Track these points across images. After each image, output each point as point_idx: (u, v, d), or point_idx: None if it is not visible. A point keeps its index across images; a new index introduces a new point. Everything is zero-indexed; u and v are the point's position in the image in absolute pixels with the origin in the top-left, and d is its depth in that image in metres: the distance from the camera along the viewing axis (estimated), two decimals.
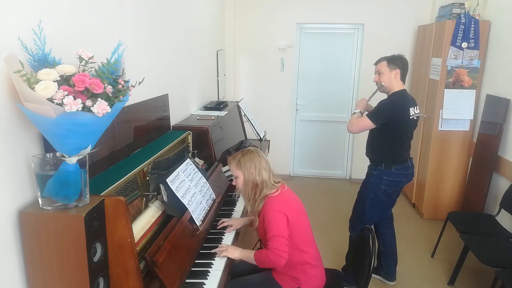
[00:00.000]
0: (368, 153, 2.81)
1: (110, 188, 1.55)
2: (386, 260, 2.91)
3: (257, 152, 2.01)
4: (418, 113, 2.70)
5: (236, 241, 2.21)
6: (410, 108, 2.62)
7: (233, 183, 2.06)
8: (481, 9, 3.72)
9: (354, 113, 2.78)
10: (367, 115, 2.63)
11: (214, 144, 2.83)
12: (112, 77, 1.29)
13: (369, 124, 2.59)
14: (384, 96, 2.70)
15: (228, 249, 1.98)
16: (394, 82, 2.64)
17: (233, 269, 2.06)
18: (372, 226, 2.87)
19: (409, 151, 2.75)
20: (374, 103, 2.75)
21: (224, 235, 2.20)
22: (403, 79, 2.67)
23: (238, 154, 2.00)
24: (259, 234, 2.06)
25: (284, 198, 1.97)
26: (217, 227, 2.24)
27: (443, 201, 3.95)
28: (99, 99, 1.20)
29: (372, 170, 2.75)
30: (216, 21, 4.35)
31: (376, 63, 2.72)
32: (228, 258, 1.97)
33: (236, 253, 1.97)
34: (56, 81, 1.17)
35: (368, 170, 2.81)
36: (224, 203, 2.59)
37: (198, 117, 3.17)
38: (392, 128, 2.60)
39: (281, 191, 1.98)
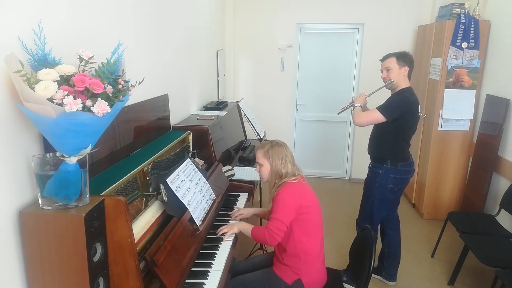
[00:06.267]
0: (371, 150, 2.76)
1: (110, 188, 1.55)
2: (389, 261, 2.89)
3: (284, 145, 2.15)
4: (420, 111, 2.69)
5: (234, 248, 2.19)
6: (419, 106, 2.63)
7: (256, 169, 2.22)
8: (481, 9, 3.72)
9: (355, 106, 2.73)
10: (377, 108, 2.58)
11: (214, 144, 2.83)
12: (112, 77, 1.29)
13: (379, 117, 2.55)
14: (387, 92, 2.68)
15: (229, 228, 2.15)
16: (402, 79, 2.61)
17: (234, 268, 2.07)
18: (378, 227, 2.87)
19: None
20: (373, 100, 2.74)
21: (224, 235, 2.19)
22: (409, 76, 2.65)
23: (267, 145, 2.13)
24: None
25: (300, 187, 2.06)
26: (231, 217, 2.36)
27: (443, 201, 3.95)
28: (99, 99, 1.19)
29: (377, 168, 2.69)
30: (216, 21, 4.35)
31: (383, 60, 2.66)
32: (228, 258, 1.98)
33: (235, 228, 2.16)
34: (56, 81, 1.17)
35: (371, 169, 2.75)
36: (224, 203, 2.59)
37: (198, 117, 3.16)
38: (401, 125, 2.57)
39: (299, 180, 2.08)
